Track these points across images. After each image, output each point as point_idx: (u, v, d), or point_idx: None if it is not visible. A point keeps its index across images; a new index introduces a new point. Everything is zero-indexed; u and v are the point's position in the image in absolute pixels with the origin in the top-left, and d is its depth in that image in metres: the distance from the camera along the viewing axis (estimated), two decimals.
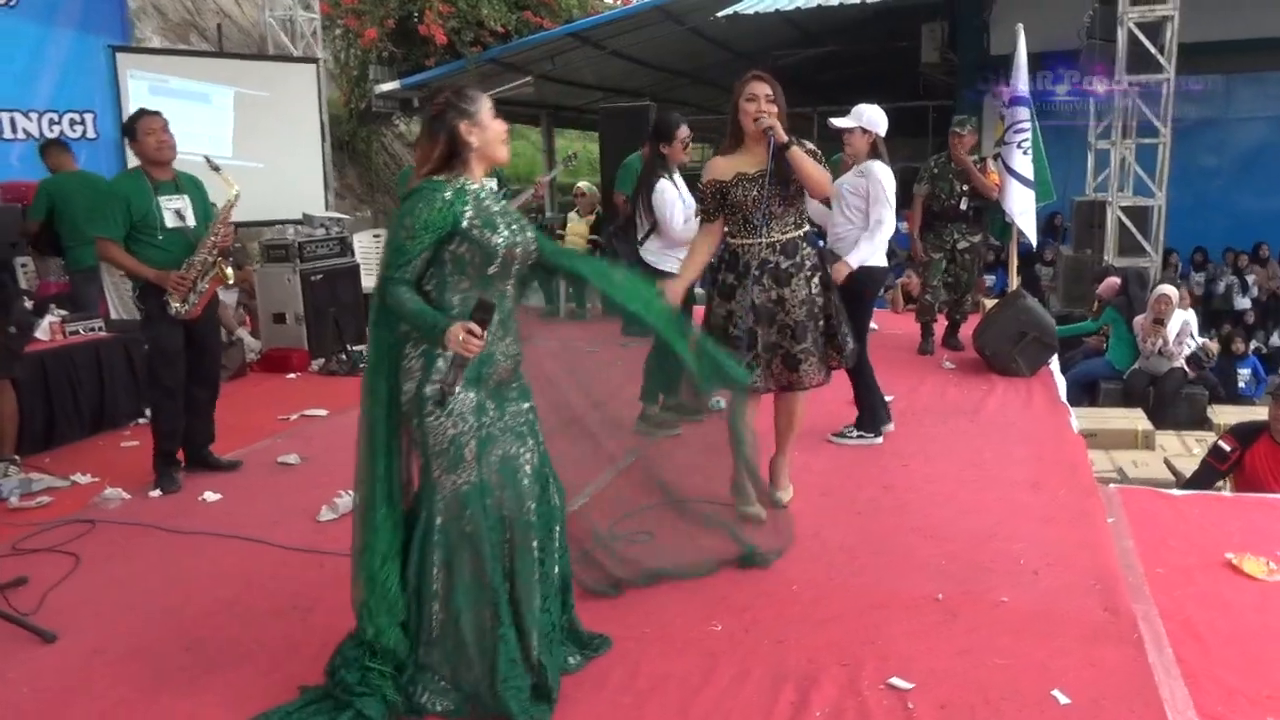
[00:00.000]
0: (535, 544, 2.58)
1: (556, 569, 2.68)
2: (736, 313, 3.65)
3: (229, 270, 4.35)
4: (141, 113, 4.32)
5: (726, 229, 3.72)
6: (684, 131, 4.95)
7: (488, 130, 2.50)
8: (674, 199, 4.89)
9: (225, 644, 2.88)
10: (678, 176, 4.97)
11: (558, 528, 2.68)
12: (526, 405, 2.63)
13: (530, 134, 21.54)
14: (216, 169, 4.38)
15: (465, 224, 2.42)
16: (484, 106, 2.51)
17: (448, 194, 2.42)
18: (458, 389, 2.39)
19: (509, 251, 2.49)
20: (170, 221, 4.22)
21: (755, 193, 3.59)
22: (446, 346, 2.33)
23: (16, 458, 4.62)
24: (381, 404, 2.46)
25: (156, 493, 4.26)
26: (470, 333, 2.30)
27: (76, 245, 6.19)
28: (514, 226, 2.53)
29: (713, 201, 3.70)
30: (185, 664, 2.78)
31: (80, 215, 5.93)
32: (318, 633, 2.88)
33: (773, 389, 3.76)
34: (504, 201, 2.65)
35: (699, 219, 3.87)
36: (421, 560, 2.46)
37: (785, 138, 3.51)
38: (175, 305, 4.19)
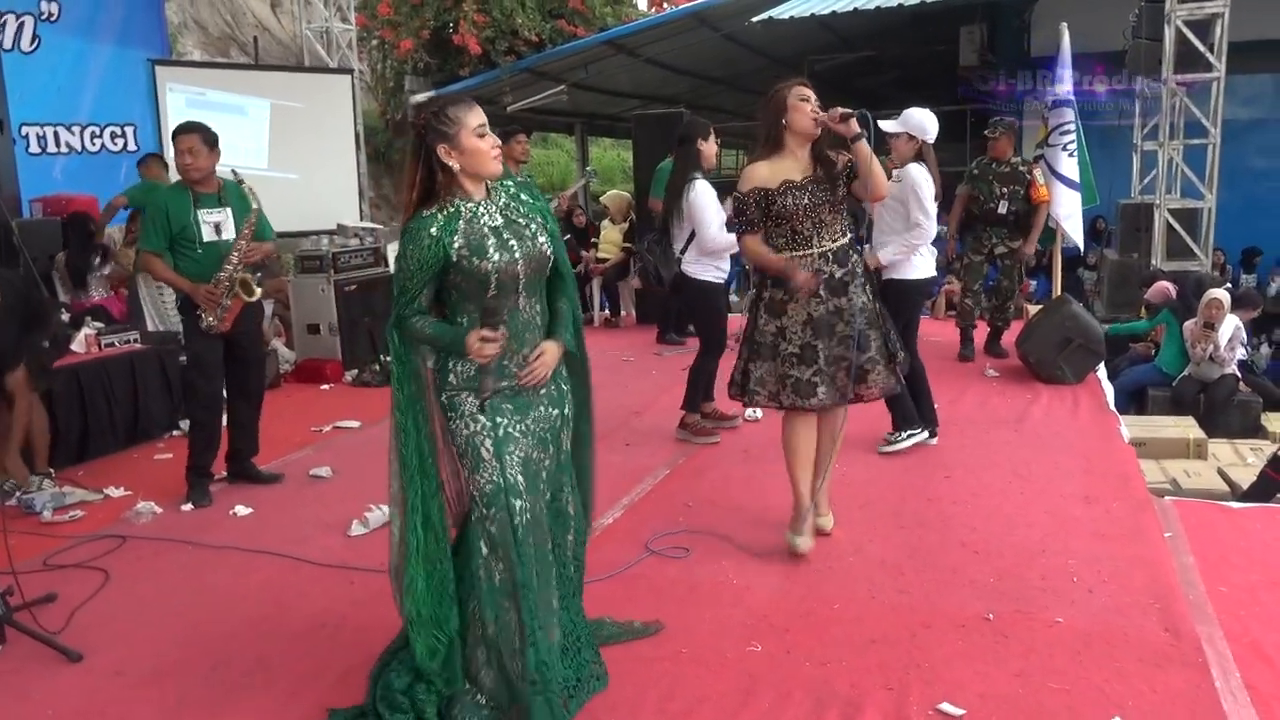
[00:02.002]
0: (550, 545, 2.55)
1: (574, 572, 2.67)
2: (789, 329, 3.42)
3: (257, 288, 4.29)
4: (179, 128, 4.29)
5: (771, 243, 3.45)
6: (713, 132, 4.91)
7: (469, 153, 2.39)
8: (711, 202, 4.79)
9: (250, 665, 2.83)
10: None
11: (570, 536, 2.65)
12: (556, 412, 2.56)
13: (564, 143, 21.60)
14: (240, 183, 4.34)
15: (455, 256, 2.38)
16: (466, 126, 2.38)
17: (434, 229, 2.38)
18: (489, 394, 2.43)
19: (506, 271, 2.41)
20: (208, 235, 4.20)
21: (807, 200, 3.36)
22: (470, 356, 2.38)
23: (51, 471, 4.63)
24: (412, 435, 2.46)
25: (188, 507, 4.24)
26: (484, 339, 2.35)
27: None
28: (513, 242, 2.43)
29: (756, 211, 3.42)
30: (208, 686, 2.72)
31: None
32: (345, 653, 2.82)
33: (837, 403, 3.49)
34: (531, 202, 2.54)
35: (736, 231, 3.61)
36: (466, 560, 2.48)
37: (858, 128, 3.32)
38: (207, 319, 4.19)
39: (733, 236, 4.72)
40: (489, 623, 2.44)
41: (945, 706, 2.50)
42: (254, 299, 4.30)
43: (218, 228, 4.24)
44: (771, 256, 3.42)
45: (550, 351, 2.50)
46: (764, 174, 3.43)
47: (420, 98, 13.49)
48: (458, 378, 2.45)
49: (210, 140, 4.22)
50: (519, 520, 2.43)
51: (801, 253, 3.39)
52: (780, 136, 3.42)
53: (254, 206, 4.30)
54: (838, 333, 3.41)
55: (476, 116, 2.41)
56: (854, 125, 3.32)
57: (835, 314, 3.41)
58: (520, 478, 2.45)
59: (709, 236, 4.78)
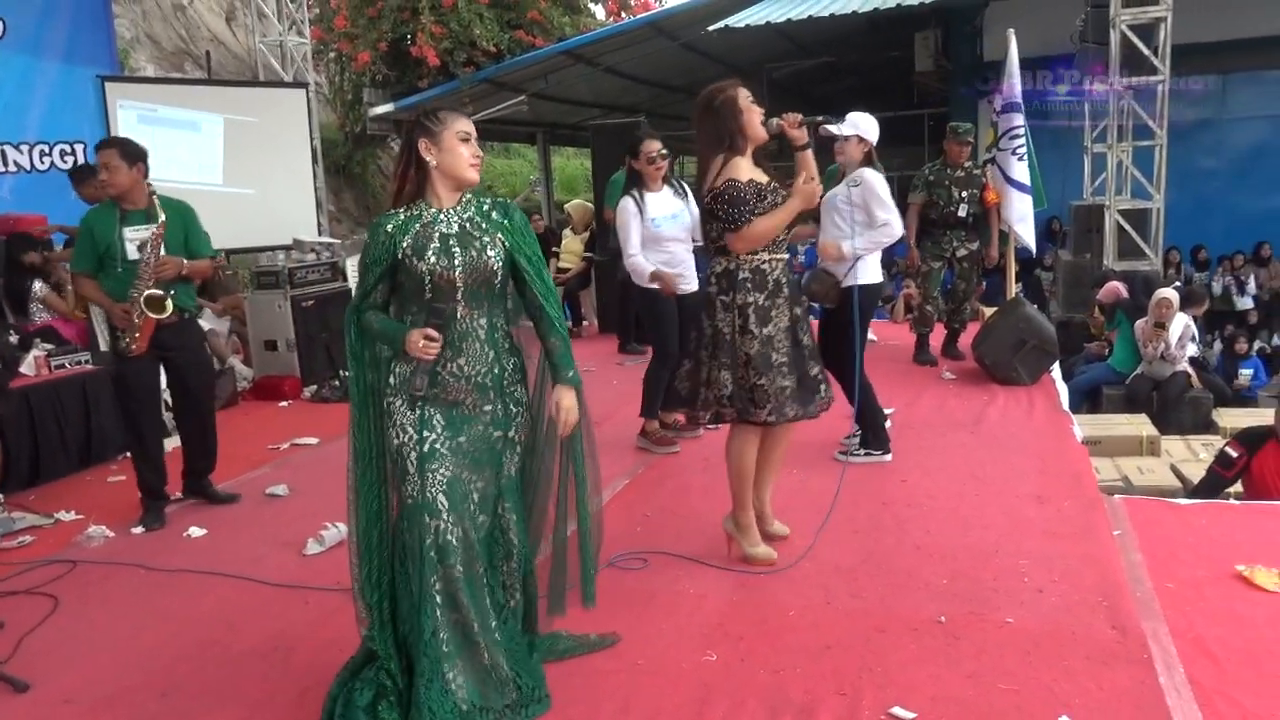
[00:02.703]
0: (481, 570, 2.54)
1: (517, 600, 2.68)
2: (776, 337, 3.32)
3: (168, 304, 4.13)
4: (98, 143, 4.20)
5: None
6: (651, 145, 4.81)
7: (447, 152, 2.51)
8: (630, 218, 4.78)
9: (202, 689, 2.79)
10: (657, 193, 4.86)
11: (513, 562, 2.64)
12: (498, 434, 2.57)
13: (527, 152, 21.57)
14: (151, 194, 4.22)
15: (400, 254, 2.50)
16: (451, 128, 2.51)
17: (389, 227, 2.52)
18: (422, 392, 2.48)
19: (439, 276, 2.47)
20: (132, 253, 4.09)
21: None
22: (409, 353, 2.46)
23: (0, 496, 4.55)
24: (367, 433, 2.57)
25: (140, 529, 4.18)
26: (428, 338, 2.43)
27: None
28: (456, 249, 2.48)
29: (755, 202, 3.26)
30: (159, 712, 2.69)
31: None
32: (299, 674, 2.79)
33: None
34: (498, 220, 2.56)
35: (739, 220, 3.27)
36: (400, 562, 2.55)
37: (808, 136, 3.34)
38: (124, 340, 4.11)
39: (646, 266, 4.72)
40: (407, 626, 2.50)
41: (897, 710, 2.53)
42: (162, 317, 4.10)
43: (144, 246, 4.12)
44: (796, 198, 3.26)
45: (565, 398, 2.57)
46: (752, 170, 3.31)
47: (380, 110, 13.45)
48: (397, 380, 2.52)
49: (131, 154, 4.11)
50: (430, 540, 2.45)
51: (779, 256, 3.38)
52: (738, 140, 3.31)
53: (160, 219, 4.14)
54: (804, 344, 3.43)
55: (464, 124, 2.54)
56: (805, 133, 3.33)
57: (798, 320, 3.43)
58: (442, 498, 2.46)
59: (626, 255, 4.80)
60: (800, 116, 3.35)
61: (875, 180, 4.53)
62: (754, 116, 3.32)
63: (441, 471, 2.48)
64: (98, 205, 4.35)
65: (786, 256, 3.43)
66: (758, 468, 3.54)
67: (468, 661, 2.48)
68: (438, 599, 2.45)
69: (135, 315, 4.07)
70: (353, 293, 2.63)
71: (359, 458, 2.56)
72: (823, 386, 3.49)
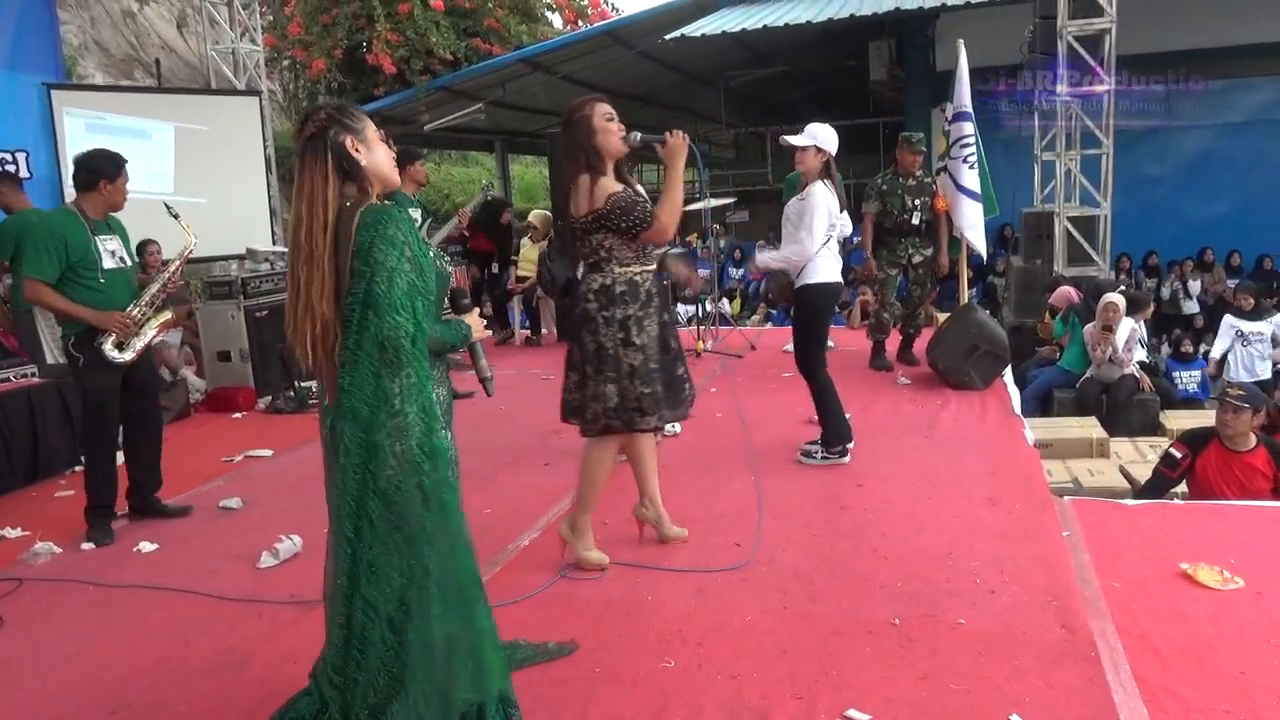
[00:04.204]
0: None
1: None
2: (649, 346, 3.39)
3: (166, 314, 4.26)
4: (121, 161, 4.16)
5: (617, 257, 3.37)
6: None
7: (375, 150, 2.27)
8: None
9: (153, 706, 2.74)
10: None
11: None
12: None
13: (485, 160, 21.51)
14: (176, 216, 4.33)
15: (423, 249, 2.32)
16: (369, 125, 2.30)
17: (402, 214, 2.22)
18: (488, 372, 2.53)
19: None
20: (108, 262, 4.10)
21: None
22: (474, 339, 2.44)
23: None
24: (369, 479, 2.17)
25: (89, 545, 4.09)
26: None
27: None
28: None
29: (644, 200, 3.38)
30: None
31: None
32: (251, 689, 2.75)
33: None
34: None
35: (638, 227, 3.35)
36: (421, 623, 2.24)
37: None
38: (110, 349, 4.05)
39: None
40: (454, 677, 2.27)
41: (852, 713, 2.55)
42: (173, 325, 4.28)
43: (115, 254, 4.15)
44: (673, 164, 3.37)
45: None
46: (615, 185, 3.33)
47: None
48: (440, 409, 2.25)
49: None
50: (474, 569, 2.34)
51: (649, 268, 3.45)
52: (594, 158, 3.32)
53: (193, 239, 4.37)
54: (672, 348, 3.50)
55: (372, 122, 2.34)
56: (665, 149, 3.38)
57: (666, 327, 3.49)
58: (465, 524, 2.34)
59: None
60: (644, 136, 3.42)
61: (818, 199, 4.57)
62: (609, 135, 3.33)
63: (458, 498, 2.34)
64: (58, 214, 4.26)
65: (654, 267, 3.50)
66: (644, 473, 3.70)
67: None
68: (484, 628, 2.32)
69: (149, 324, 4.15)
70: (405, 307, 2.10)
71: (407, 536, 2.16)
72: (687, 385, 3.59)
